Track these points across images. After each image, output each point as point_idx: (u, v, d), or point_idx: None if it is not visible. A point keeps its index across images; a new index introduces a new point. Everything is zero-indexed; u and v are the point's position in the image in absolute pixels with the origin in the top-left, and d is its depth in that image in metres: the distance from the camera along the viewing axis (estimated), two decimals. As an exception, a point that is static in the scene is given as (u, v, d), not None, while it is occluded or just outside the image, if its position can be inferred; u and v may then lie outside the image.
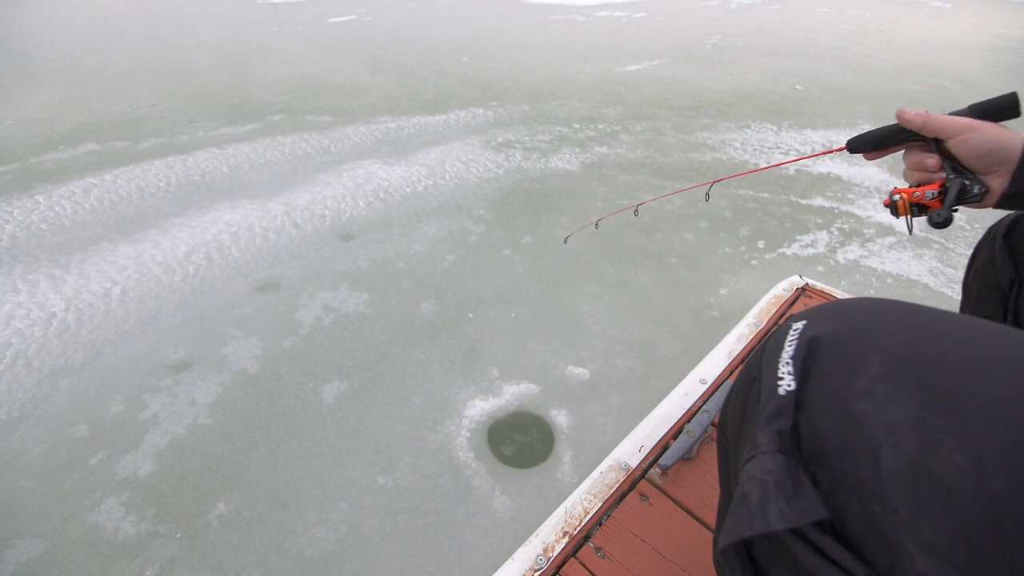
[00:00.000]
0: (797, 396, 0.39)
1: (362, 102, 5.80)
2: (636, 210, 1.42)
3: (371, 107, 5.65)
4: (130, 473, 1.94)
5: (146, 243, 3.27)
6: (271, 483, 1.91)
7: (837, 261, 3.15)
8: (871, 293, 2.87)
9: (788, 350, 0.43)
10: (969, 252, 2.06)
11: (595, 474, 1.13)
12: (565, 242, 3.13)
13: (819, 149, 4.70)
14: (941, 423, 0.33)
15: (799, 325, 0.44)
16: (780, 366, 0.42)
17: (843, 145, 0.76)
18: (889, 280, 2.98)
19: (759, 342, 1.13)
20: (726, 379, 1.37)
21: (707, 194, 1.38)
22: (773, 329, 0.59)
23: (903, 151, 0.70)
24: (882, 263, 3.12)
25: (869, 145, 0.72)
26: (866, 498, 0.34)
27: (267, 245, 3.29)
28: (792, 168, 4.36)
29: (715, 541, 0.53)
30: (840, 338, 0.41)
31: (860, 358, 0.38)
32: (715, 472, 1.12)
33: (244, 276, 3.01)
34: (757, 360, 0.47)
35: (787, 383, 0.40)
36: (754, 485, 0.37)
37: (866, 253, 3.22)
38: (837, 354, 0.40)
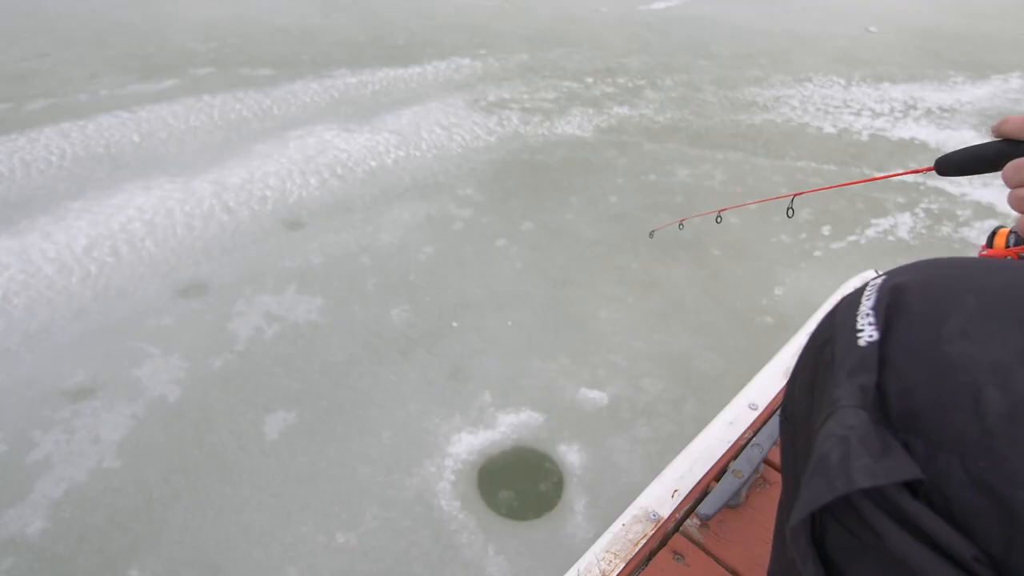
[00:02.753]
0: (881, 348, 0.42)
1: (313, 50, 5.79)
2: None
3: (325, 57, 5.64)
4: (15, 533, 1.93)
5: (34, 234, 3.26)
6: (199, 543, 1.90)
7: (924, 251, 3.17)
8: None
9: (867, 303, 0.45)
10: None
11: (616, 527, 1.13)
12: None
13: (898, 107, 4.73)
14: None
15: (877, 280, 0.48)
16: (859, 319, 0.45)
17: (931, 165, 0.77)
18: (990, 275, 3.00)
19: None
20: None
21: (790, 209, 1.20)
22: None
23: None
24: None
25: (962, 167, 0.74)
26: (970, 456, 0.35)
27: (191, 236, 3.28)
28: (865, 133, 4.39)
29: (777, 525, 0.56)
30: (928, 283, 0.44)
31: (952, 300, 0.41)
32: (768, 524, 1.12)
33: (162, 276, 3.00)
34: (828, 322, 0.50)
35: (868, 334, 0.43)
36: (833, 444, 0.39)
37: (960, 240, 3.25)
38: (925, 298, 0.43)
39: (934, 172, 0.77)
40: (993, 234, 0.75)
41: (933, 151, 4.14)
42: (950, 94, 5.07)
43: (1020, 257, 0.70)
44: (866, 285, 0.48)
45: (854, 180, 1.15)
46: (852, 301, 0.48)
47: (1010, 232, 0.72)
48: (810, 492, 0.38)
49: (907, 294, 0.44)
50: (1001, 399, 0.35)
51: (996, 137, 0.67)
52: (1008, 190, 0.69)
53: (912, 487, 0.36)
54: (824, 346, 0.48)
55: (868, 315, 0.44)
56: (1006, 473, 0.34)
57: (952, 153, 0.75)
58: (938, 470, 0.36)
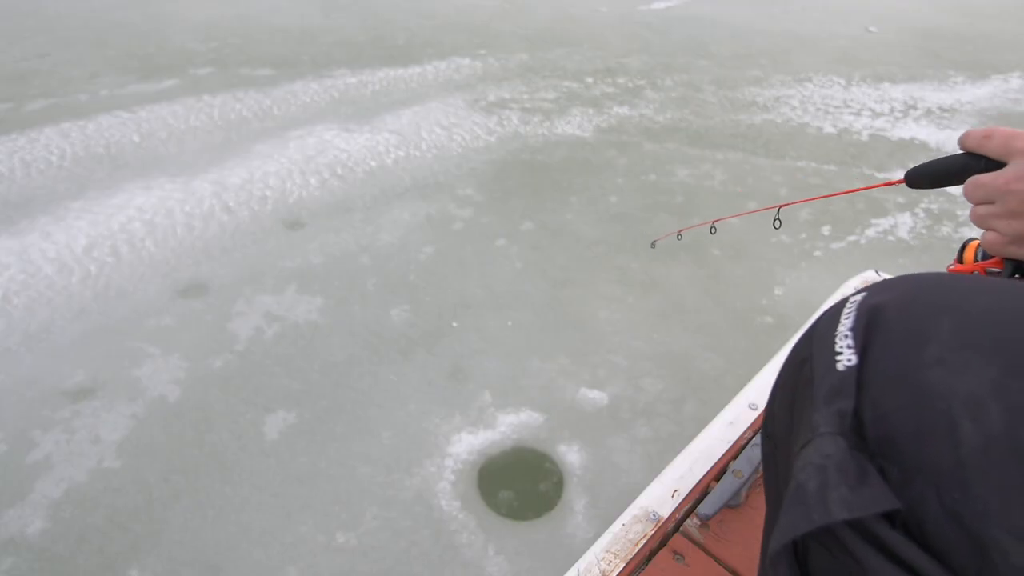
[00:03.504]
0: (859, 374, 0.42)
1: (313, 50, 5.80)
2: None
3: (325, 57, 5.65)
4: (15, 533, 1.93)
5: (34, 234, 3.26)
6: (199, 543, 1.90)
7: (923, 251, 3.17)
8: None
9: (845, 323, 0.45)
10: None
11: (616, 527, 1.13)
12: None
13: (898, 107, 4.73)
14: None
15: (857, 298, 0.48)
16: (837, 340, 0.45)
17: (901, 178, 0.77)
18: (990, 275, 3.00)
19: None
20: (783, 404, 1.37)
21: (776, 220, 1.26)
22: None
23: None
24: (981, 253, 3.15)
25: (930, 180, 0.74)
26: (944, 487, 0.35)
27: (191, 236, 3.28)
28: (865, 133, 4.38)
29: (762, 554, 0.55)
30: (906, 304, 0.44)
31: (930, 322, 0.41)
32: (769, 523, 1.11)
33: (162, 276, 3.00)
34: (807, 339, 0.50)
35: (847, 357, 0.43)
36: (811, 472, 0.39)
37: (960, 241, 3.25)
38: (903, 320, 0.43)
39: (909, 186, 0.76)
40: (963, 247, 0.74)
41: (933, 151, 4.14)
42: (950, 94, 5.07)
43: (987, 272, 0.70)
44: (846, 300, 0.48)
45: (827, 194, 1.16)
46: (831, 318, 0.47)
47: (978, 246, 0.71)
48: (788, 521, 0.39)
49: (886, 313, 0.44)
50: (975, 431, 0.35)
51: (961, 150, 0.66)
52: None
53: (889, 514, 0.36)
54: (803, 364, 0.48)
55: (847, 336, 0.44)
56: (977, 509, 0.34)
57: (921, 166, 0.75)
58: (913, 497, 0.36)
